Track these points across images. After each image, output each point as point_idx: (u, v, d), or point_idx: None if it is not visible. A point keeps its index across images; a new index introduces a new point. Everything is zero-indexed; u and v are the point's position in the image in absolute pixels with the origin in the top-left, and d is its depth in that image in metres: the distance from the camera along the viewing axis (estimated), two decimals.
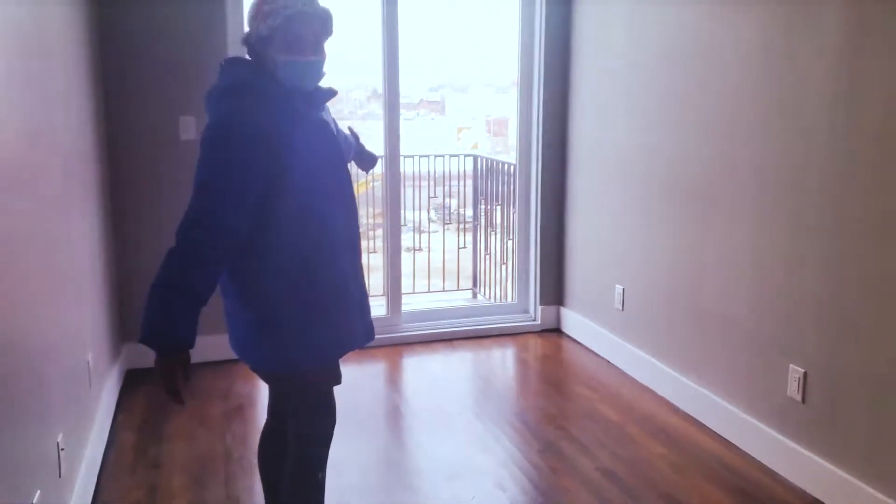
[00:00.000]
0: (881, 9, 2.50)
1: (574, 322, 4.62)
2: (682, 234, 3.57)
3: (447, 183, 6.04)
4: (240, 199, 1.84)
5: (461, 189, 6.22)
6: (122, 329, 4.04)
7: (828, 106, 2.72)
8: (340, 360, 2.19)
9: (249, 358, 2.10)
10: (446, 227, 6.55)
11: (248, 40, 1.98)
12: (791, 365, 2.95)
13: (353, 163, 2.50)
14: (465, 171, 6.04)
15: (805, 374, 2.89)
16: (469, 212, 6.19)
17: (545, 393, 3.86)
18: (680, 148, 3.55)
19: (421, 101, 15.62)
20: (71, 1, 3.13)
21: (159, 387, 1.87)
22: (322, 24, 1.96)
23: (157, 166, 4.00)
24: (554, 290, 4.75)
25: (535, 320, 4.79)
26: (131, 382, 3.91)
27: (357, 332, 2.12)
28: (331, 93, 2.07)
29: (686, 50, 3.46)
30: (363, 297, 2.16)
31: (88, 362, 3.03)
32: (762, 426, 3.11)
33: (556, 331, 4.76)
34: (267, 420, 2.32)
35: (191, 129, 4.00)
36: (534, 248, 4.75)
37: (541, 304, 4.75)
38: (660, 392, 3.77)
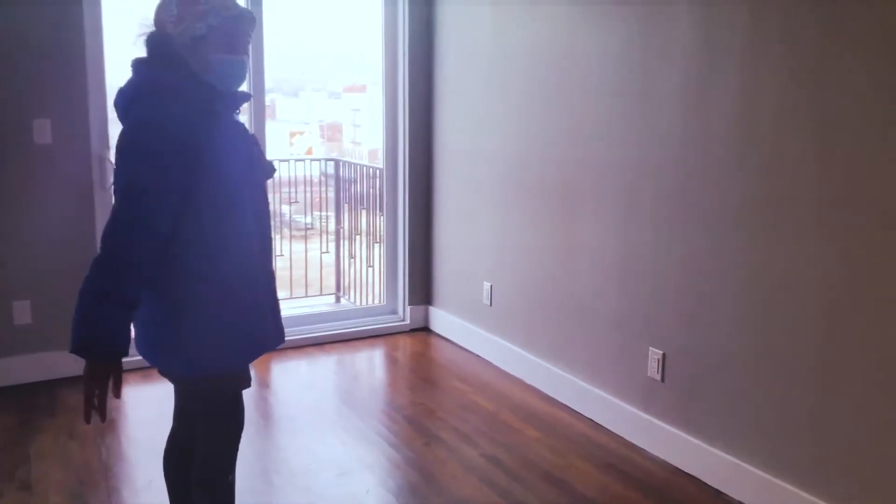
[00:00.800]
0: (725, 25, 2.82)
1: (443, 320, 4.78)
2: (549, 230, 3.81)
3: (294, 189, 5.98)
4: (166, 199, 1.83)
5: (307, 195, 6.16)
6: None
7: (680, 110, 3.02)
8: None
9: (160, 361, 2.06)
10: (293, 236, 6.50)
11: (167, 40, 1.95)
12: (651, 348, 3.24)
13: None
14: (305, 176, 6.02)
15: (664, 356, 3.19)
16: (307, 219, 6.19)
17: (420, 388, 3.98)
18: (545, 149, 3.79)
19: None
20: None
21: (83, 398, 1.82)
22: (251, 28, 2.02)
23: (9, 172, 3.76)
24: (422, 289, 4.89)
25: (403, 320, 4.91)
26: None
27: (269, 336, 2.14)
28: (246, 96, 2.11)
29: (549, 54, 3.71)
30: (274, 300, 2.20)
31: None
32: (627, 406, 3.39)
33: (425, 329, 4.91)
34: (173, 425, 2.28)
35: (46, 132, 3.80)
36: (402, 249, 4.87)
37: (409, 304, 4.88)
38: (529, 381, 3.99)
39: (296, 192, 6.00)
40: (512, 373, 4.14)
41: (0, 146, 3.72)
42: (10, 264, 3.82)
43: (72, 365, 3.97)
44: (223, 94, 2.00)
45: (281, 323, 2.22)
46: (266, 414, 3.70)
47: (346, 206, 5.94)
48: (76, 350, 1.78)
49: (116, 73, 4.24)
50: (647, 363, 3.26)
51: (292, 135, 14.57)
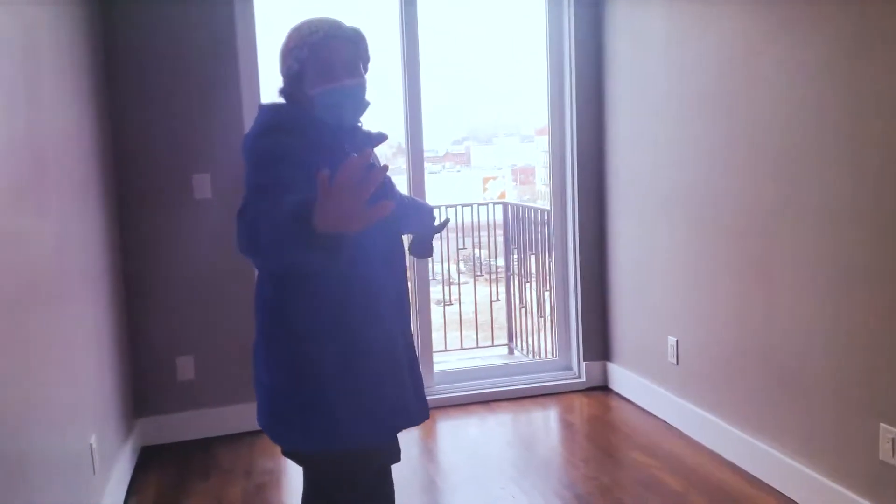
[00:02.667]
0: None
1: (623, 378, 4.26)
2: (744, 279, 3.23)
3: (475, 233, 5.78)
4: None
5: (491, 239, 5.95)
6: (136, 402, 3.76)
7: None
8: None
9: (284, 437, 1.79)
10: (477, 278, 6.26)
11: (283, 88, 1.82)
12: (882, 424, 2.58)
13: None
14: (494, 220, 5.78)
15: None
16: (500, 261, 5.89)
17: (596, 460, 3.49)
18: (736, 187, 3.23)
19: (446, 153, 15.66)
20: (86, 85, 2.94)
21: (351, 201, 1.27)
22: (353, 47, 1.77)
23: (171, 228, 3.75)
24: (598, 343, 4.40)
25: (578, 377, 4.44)
26: (146, 461, 3.61)
27: (409, 405, 1.83)
28: (380, 137, 1.86)
29: (736, 81, 3.17)
30: (414, 368, 1.88)
31: (92, 445, 2.74)
32: (850, 494, 2.72)
33: (603, 388, 4.40)
34: None
35: (206, 187, 3.77)
36: (574, 298, 4.42)
37: (584, 359, 4.40)
38: (727, 456, 3.38)
39: (487, 237, 5.84)
40: (704, 443, 3.54)
41: (162, 202, 3.73)
42: (174, 320, 3.79)
43: (230, 423, 3.89)
44: (345, 130, 1.76)
45: (424, 396, 1.91)
46: (426, 485, 3.36)
47: (514, 250, 5.59)
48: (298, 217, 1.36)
49: None
50: (879, 443, 2.60)
51: (486, 180, 14.79)
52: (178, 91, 3.70)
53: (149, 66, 3.66)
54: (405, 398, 1.83)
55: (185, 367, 3.84)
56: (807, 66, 2.79)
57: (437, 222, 2.12)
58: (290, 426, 1.76)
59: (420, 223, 2.08)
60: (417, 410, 1.87)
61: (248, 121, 3.81)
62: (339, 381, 1.72)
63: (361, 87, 1.77)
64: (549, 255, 4.68)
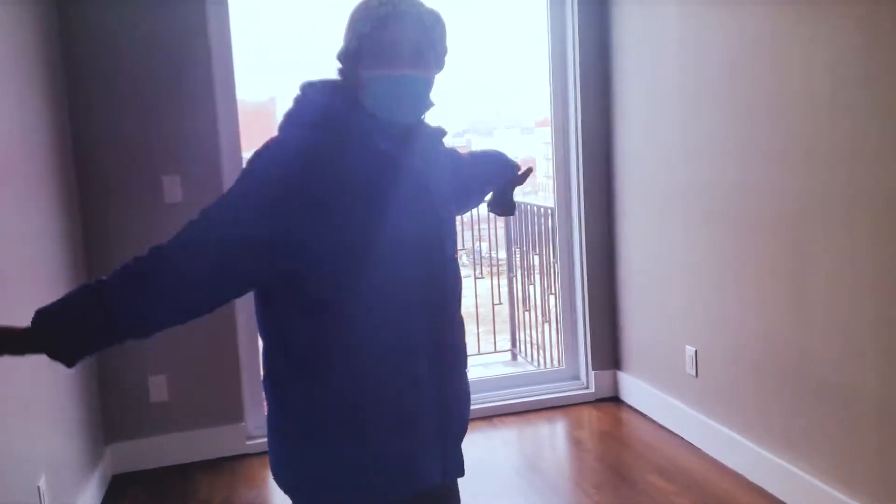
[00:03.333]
0: None
1: (635, 390, 3.93)
2: (771, 281, 2.90)
3: (475, 226, 5.51)
4: (240, 251, 1.37)
5: (492, 232, 5.68)
6: (106, 426, 3.45)
7: None
8: None
9: (292, 489, 1.53)
10: (478, 277, 5.94)
11: (340, 69, 1.48)
12: None
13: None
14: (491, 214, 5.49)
15: None
16: (503, 254, 5.59)
17: (609, 485, 3.17)
18: (761, 180, 2.90)
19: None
20: (40, 83, 2.61)
21: None
22: (425, 31, 1.41)
23: (139, 233, 3.43)
24: (609, 351, 4.08)
25: (587, 388, 4.11)
26: (117, 491, 3.31)
27: (428, 465, 1.53)
28: (439, 132, 1.55)
29: (759, 65, 2.84)
30: (448, 418, 1.56)
31: (40, 489, 2.42)
32: None
33: (613, 400, 4.07)
34: None
35: (176, 190, 3.45)
36: (581, 301, 4.09)
37: (594, 368, 4.08)
38: (753, 479, 3.06)
39: (489, 230, 5.64)
40: (727, 464, 3.22)
41: (130, 206, 3.41)
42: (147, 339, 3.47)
43: (209, 448, 3.57)
44: (392, 124, 1.43)
45: (459, 451, 1.62)
46: None
47: (516, 250, 5.26)
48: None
49: (250, 124, 3.91)
50: None
51: None
52: (148, 90, 3.38)
53: (117, 63, 3.34)
54: (419, 458, 1.52)
55: (159, 387, 3.52)
56: (843, 45, 2.45)
57: (519, 171, 1.86)
58: (298, 479, 1.51)
59: (495, 176, 1.81)
60: (439, 469, 1.57)
61: (224, 121, 3.52)
62: (343, 431, 1.46)
63: (425, 83, 1.43)
64: (554, 255, 4.36)
